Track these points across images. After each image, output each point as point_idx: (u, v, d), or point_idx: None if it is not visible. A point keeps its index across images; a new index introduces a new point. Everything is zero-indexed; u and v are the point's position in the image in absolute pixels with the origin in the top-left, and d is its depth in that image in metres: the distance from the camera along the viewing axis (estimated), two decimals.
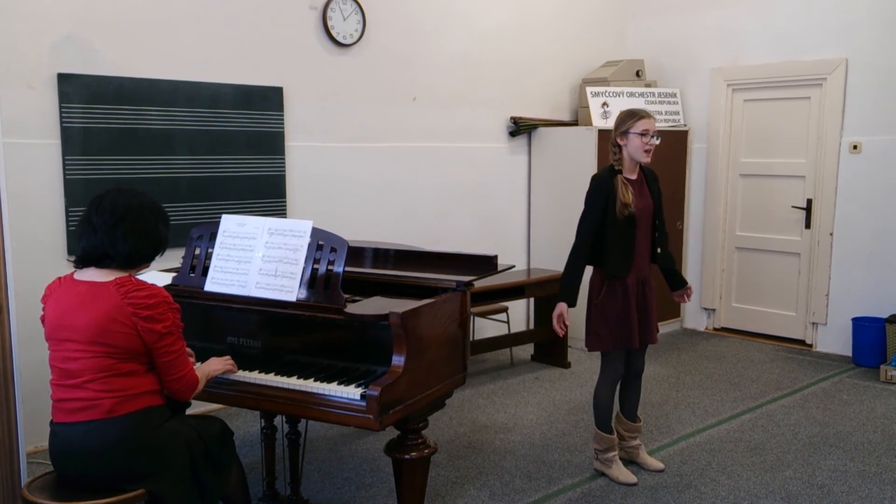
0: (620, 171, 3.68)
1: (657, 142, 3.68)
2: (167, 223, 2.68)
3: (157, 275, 3.30)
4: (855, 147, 5.86)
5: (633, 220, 3.64)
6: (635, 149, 3.64)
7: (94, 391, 2.45)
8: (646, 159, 3.67)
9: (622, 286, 3.69)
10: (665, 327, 6.57)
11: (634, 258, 3.70)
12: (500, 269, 3.35)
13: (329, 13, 5.09)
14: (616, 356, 3.78)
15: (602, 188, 3.64)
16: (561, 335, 3.76)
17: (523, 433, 4.47)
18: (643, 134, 3.62)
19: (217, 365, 2.87)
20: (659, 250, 3.82)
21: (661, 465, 3.97)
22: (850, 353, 5.92)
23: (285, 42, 4.95)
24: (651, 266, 3.84)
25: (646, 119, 3.64)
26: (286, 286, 2.94)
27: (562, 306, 3.68)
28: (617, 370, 3.80)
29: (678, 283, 3.95)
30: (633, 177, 3.72)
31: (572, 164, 6.14)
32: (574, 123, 6.58)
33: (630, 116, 3.67)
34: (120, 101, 4.28)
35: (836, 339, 6.08)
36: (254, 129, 4.82)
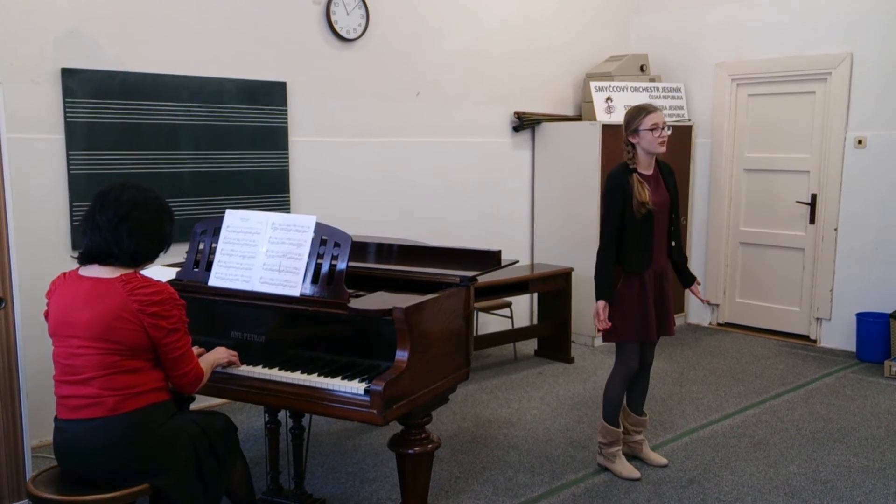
0: (635, 170, 3.68)
1: (669, 132, 3.70)
2: (171, 219, 2.67)
3: (161, 269, 3.30)
4: (860, 142, 5.84)
5: (651, 216, 3.65)
6: (649, 143, 3.65)
7: (98, 388, 2.45)
8: (661, 150, 3.69)
9: (639, 280, 3.70)
10: None
11: (653, 253, 3.71)
12: (503, 264, 3.35)
13: (332, 8, 5.09)
14: (631, 349, 3.78)
15: (618, 187, 3.65)
16: (601, 330, 3.75)
17: (527, 428, 4.48)
18: (653, 128, 3.63)
19: (222, 354, 2.87)
20: (673, 244, 3.82)
21: (664, 461, 3.97)
22: (854, 349, 5.91)
23: (289, 37, 4.95)
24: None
25: (654, 113, 3.66)
26: (290, 281, 2.95)
27: (599, 304, 3.68)
28: (631, 364, 3.80)
29: (688, 279, 3.95)
30: (649, 172, 3.72)
31: (576, 158, 6.13)
32: (578, 118, 6.57)
33: (638, 113, 3.68)
34: (124, 96, 4.28)
35: (840, 335, 6.07)
36: (257, 124, 4.82)
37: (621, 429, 3.89)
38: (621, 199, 3.63)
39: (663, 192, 3.75)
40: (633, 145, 3.69)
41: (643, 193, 3.61)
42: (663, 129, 3.66)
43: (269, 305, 3.01)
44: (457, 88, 5.88)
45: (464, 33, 5.88)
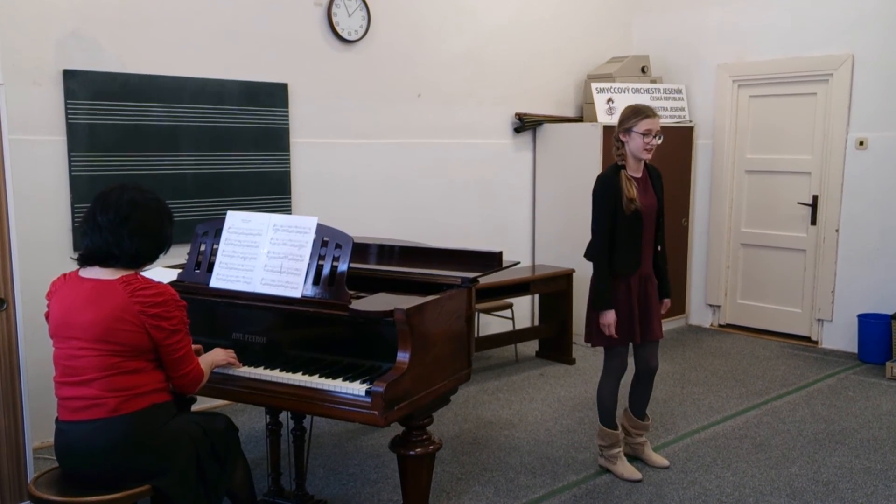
0: (624, 167, 3.67)
1: (659, 141, 3.66)
2: (172, 221, 2.67)
3: (162, 271, 3.31)
4: (861, 143, 5.84)
5: (640, 218, 3.63)
6: (636, 146, 3.63)
7: (99, 389, 2.45)
8: (646, 157, 3.67)
9: (625, 283, 3.68)
10: (670, 324, 6.56)
11: (641, 257, 3.70)
12: (504, 265, 3.35)
13: (334, 9, 5.09)
14: (619, 352, 3.78)
15: (607, 188, 3.63)
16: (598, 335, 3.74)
17: (528, 430, 4.47)
18: (645, 134, 3.60)
19: (220, 356, 2.88)
20: (659, 248, 3.81)
21: (665, 462, 3.97)
22: (855, 350, 5.90)
23: (290, 38, 4.95)
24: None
25: (650, 118, 3.61)
26: (291, 282, 2.95)
27: (610, 316, 3.62)
28: (620, 366, 3.79)
29: (663, 291, 3.89)
30: (638, 175, 3.71)
31: (577, 160, 6.13)
32: (579, 119, 6.57)
33: (634, 114, 3.64)
34: (125, 97, 4.29)
35: (841, 336, 6.06)
36: (259, 126, 4.83)
37: (619, 430, 3.89)
38: (612, 201, 3.61)
39: (651, 196, 3.73)
40: (622, 143, 3.68)
41: (631, 190, 3.59)
42: (655, 136, 3.62)
43: (270, 307, 3.02)
44: (458, 90, 5.88)
45: (465, 34, 5.88)
